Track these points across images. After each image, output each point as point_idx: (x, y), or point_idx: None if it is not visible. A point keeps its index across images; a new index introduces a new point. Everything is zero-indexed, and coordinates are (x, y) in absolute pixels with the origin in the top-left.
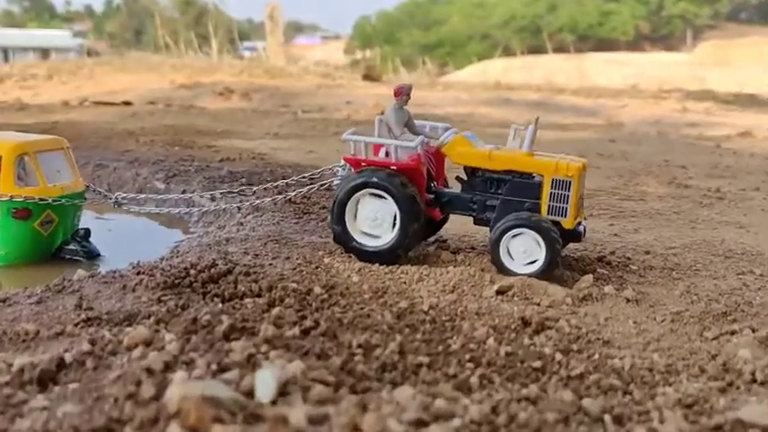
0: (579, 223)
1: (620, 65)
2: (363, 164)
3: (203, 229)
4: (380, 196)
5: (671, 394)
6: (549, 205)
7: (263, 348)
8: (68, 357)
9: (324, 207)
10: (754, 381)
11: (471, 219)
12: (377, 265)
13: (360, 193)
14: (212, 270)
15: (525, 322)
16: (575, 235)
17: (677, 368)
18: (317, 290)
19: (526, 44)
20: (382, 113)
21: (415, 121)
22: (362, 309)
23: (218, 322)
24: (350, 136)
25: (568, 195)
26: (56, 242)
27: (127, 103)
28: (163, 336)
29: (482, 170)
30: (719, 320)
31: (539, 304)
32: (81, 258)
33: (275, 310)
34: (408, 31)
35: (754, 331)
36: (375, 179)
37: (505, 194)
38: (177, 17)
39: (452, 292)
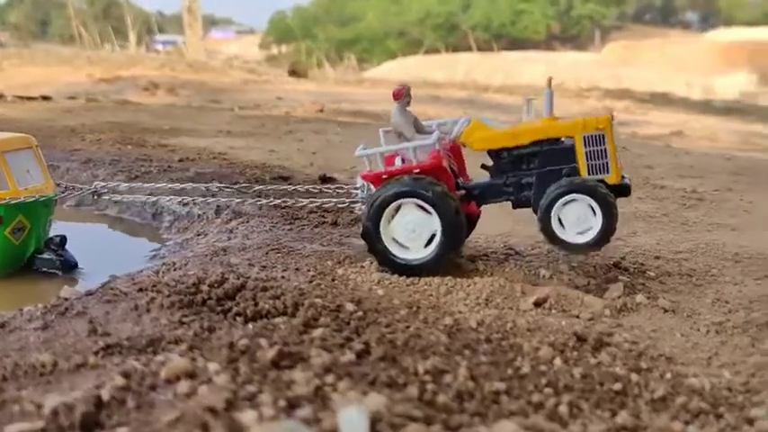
0: (623, 176)
1: (534, 63)
2: (384, 176)
3: (179, 236)
4: (425, 210)
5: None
6: (588, 164)
7: (328, 379)
8: (105, 395)
9: (312, 212)
10: None
11: (509, 204)
12: (397, 276)
13: (403, 201)
14: (225, 285)
15: (581, 338)
16: (623, 189)
17: (755, 386)
18: (349, 306)
19: (442, 42)
20: (386, 125)
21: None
22: (408, 327)
23: (258, 347)
24: (362, 151)
25: (605, 149)
26: (27, 252)
27: (45, 98)
28: (205, 366)
29: (508, 150)
30: (764, 331)
31: (579, 316)
32: (56, 271)
33: (316, 332)
34: (324, 26)
35: None
36: (423, 191)
37: (539, 167)
38: (85, 8)
39: (488, 305)
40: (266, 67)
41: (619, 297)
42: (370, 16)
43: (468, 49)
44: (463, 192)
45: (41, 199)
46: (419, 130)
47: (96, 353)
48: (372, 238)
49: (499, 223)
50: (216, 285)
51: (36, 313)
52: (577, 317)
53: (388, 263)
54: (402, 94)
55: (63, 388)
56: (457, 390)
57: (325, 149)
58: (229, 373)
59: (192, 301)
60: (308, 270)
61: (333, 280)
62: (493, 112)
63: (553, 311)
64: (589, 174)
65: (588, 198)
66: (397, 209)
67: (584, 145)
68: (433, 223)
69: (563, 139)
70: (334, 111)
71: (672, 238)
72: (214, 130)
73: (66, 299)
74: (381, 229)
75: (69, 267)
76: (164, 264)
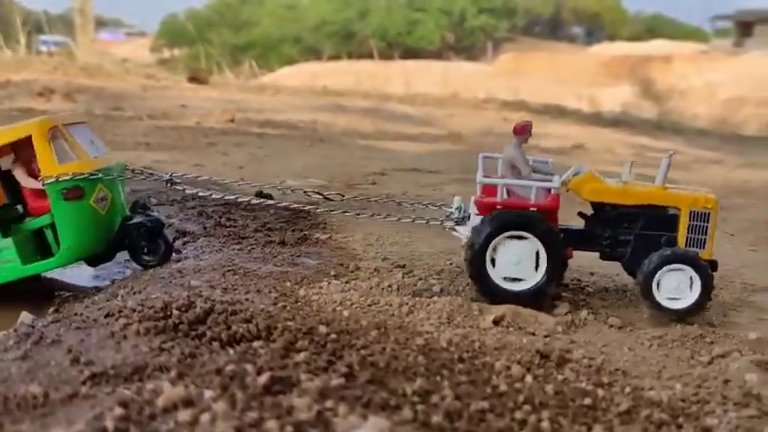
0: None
1: (431, 72)
2: (499, 206)
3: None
4: (521, 237)
5: (722, 428)
6: (687, 237)
7: (327, 404)
8: (109, 426)
9: (257, 230)
10: None
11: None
12: (357, 297)
13: (514, 233)
14: (194, 309)
15: (544, 355)
16: (714, 265)
17: (704, 397)
18: (322, 329)
19: (338, 49)
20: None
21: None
22: (384, 349)
23: (246, 373)
24: (484, 179)
25: (707, 227)
26: (115, 222)
27: None
28: (200, 393)
29: (613, 205)
30: (699, 343)
31: (535, 334)
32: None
33: (299, 356)
34: (219, 30)
35: (741, 354)
36: (539, 227)
37: (641, 229)
38: None
39: (450, 324)
40: (162, 71)
41: (566, 314)
42: (265, 21)
43: (365, 56)
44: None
45: (117, 165)
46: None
47: (84, 382)
48: (476, 268)
49: (445, 240)
50: (184, 309)
51: (8, 342)
52: (534, 334)
53: (494, 293)
54: (525, 131)
55: (61, 420)
56: (446, 410)
57: (251, 163)
58: (226, 401)
59: (164, 326)
60: (270, 292)
61: (296, 302)
62: (398, 122)
63: (511, 329)
64: (686, 246)
65: (692, 270)
66: (503, 242)
67: (690, 219)
68: (532, 247)
69: (668, 207)
70: (244, 120)
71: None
72: (132, 141)
73: (31, 326)
74: (490, 273)
75: (159, 228)
76: (120, 286)
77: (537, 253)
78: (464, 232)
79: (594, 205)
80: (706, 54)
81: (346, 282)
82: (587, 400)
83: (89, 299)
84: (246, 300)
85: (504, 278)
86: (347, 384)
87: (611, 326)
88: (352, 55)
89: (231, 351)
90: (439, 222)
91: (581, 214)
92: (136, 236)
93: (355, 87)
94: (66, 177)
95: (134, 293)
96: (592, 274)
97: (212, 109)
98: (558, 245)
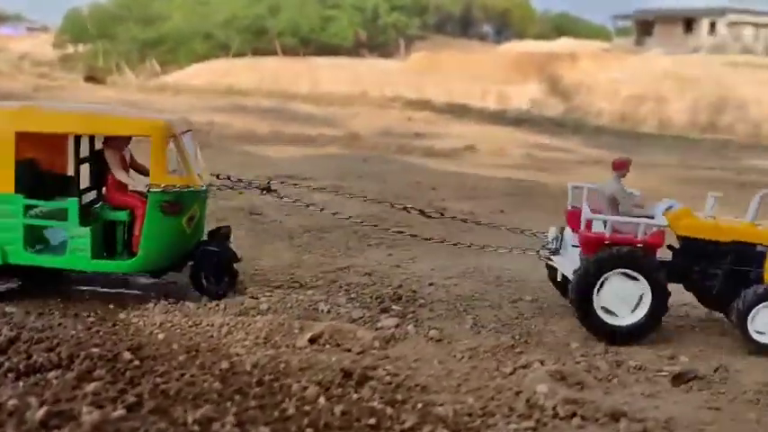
0: None
1: (343, 69)
2: (607, 242)
3: None
4: (633, 278)
5: None
6: None
7: None
8: None
9: None
10: (556, 415)
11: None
12: (179, 318)
13: (623, 270)
14: None
15: (347, 374)
16: None
17: (491, 410)
18: (126, 355)
19: (249, 45)
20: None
21: None
22: (183, 375)
23: (28, 406)
24: (591, 215)
25: None
26: (192, 243)
27: None
28: None
29: (704, 240)
30: (509, 354)
31: (351, 350)
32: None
33: (90, 387)
34: (126, 25)
35: (542, 364)
36: (647, 264)
37: (731, 264)
38: None
39: (266, 344)
40: (60, 70)
41: (390, 328)
42: (175, 16)
43: (275, 53)
44: None
45: (209, 187)
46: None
47: None
48: (584, 303)
49: (285, 253)
50: None
51: None
52: (349, 350)
53: (599, 328)
54: (623, 167)
55: None
56: None
57: None
58: None
59: None
60: (88, 316)
61: (113, 325)
62: (300, 123)
63: (327, 347)
64: None
65: None
66: (609, 277)
67: None
68: (641, 290)
69: (757, 244)
70: None
71: (446, 264)
72: None
73: None
74: (594, 295)
75: (230, 261)
76: None
77: (641, 291)
78: (560, 262)
79: (684, 239)
80: (609, 52)
81: (174, 302)
82: (373, 420)
83: None
84: (60, 325)
85: (603, 308)
86: (128, 416)
87: (431, 338)
88: (264, 52)
89: (21, 384)
90: (536, 252)
91: (670, 247)
92: (206, 264)
93: (260, 86)
94: (173, 190)
95: None
96: (431, 284)
97: None
98: (665, 287)
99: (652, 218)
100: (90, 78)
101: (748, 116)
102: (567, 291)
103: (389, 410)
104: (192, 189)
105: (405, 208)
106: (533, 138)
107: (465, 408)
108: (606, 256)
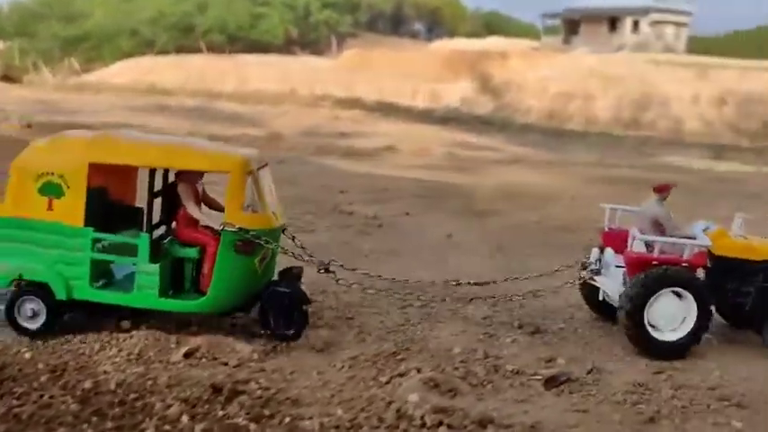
0: None
1: (272, 67)
2: (655, 262)
3: None
4: (678, 294)
5: None
6: None
7: None
8: None
9: None
10: (424, 425)
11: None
12: (51, 336)
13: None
14: None
15: (216, 390)
16: None
17: (360, 422)
18: None
19: (176, 42)
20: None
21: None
22: (42, 397)
23: None
24: (641, 236)
25: None
26: (263, 283)
27: None
28: None
29: (738, 259)
30: (390, 361)
31: (227, 364)
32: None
33: None
34: (48, 23)
35: (419, 371)
36: (696, 282)
37: (763, 282)
38: None
39: (138, 361)
40: None
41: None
42: (98, 14)
43: (202, 50)
44: None
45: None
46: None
47: None
48: (635, 321)
49: None
50: None
51: None
52: (226, 364)
53: (647, 344)
54: (666, 190)
55: None
56: None
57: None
58: None
59: None
60: None
61: None
62: (223, 122)
63: (203, 361)
64: None
65: None
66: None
67: None
68: (687, 307)
69: None
70: (47, 125)
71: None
72: None
73: None
74: (645, 312)
75: (300, 302)
76: None
77: (687, 308)
78: (604, 282)
79: (718, 258)
80: (538, 51)
81: None
82: None
83: None
84: None
85: (651, 325)
86: None
87: (313, 348)
88: (191, 50)
89: None
90: (579, 277)
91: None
92: (276, 305)
93: (185, 84)
94: (251, 230)
95: None
96: (323, 291)
97: (14, 112)
98: (709, 301)
99: (693, 238)
100: (5, 77)
101: (670, 113)
102: (602, 309)
103: (253, 427)
104: (266, 230)
105: (458, 283)
106: (460, 136)
107: (333, 420)
108: (658, 275)
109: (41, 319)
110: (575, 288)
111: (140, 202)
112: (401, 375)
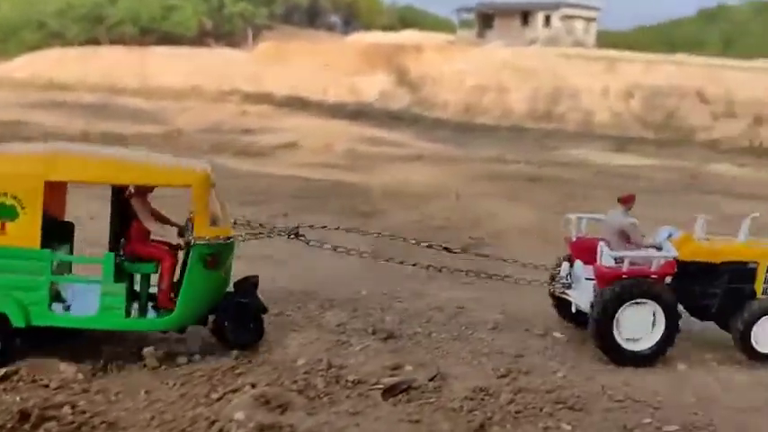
0: None
1: (184, 60)
2: (624, 275)
3: None
4: (640, 303)
5: None
6: (764, 287)
7: None
8: None
9: None
10: None
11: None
12: None
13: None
14: None
15: (24, 416)
16: None
17: None
18: None
19: (88, 35)
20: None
21: None
22: None
23: None
24: (611, 252)
25: None
26: (222, 293)
27: None
28: None
29: (702, 262)
30: (227, 376)
31: (48, 386)
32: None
33: None
34: None
35: (253, 386)
36: (664, 295)
37: (728, 282)
38: None
39: None
40: None
41: (99, 359)
42: (5, 6)
43: (113, 42)
44: None
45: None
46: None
47: None
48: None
49: None
50: None
51: None
52: (47, 386)
53: (619, 355)
54: (631, 201)
55: None
56: None
57: None
58: None
59: None
60: None
61: None
62: (122, 120)
63: (20, 384)
64: (763, 294)
65: None
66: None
67: (767, 271)
68: (655, 315)
69: (748, 261)
70: None
71: None
72: None
73: None
74: (614, 323)
75: (259, 313)
76: None
77: (654, 315)
78: (575, 295)
79: (683, 263)
80: (453, 44)
81: None
82: None
83: None
84: None
85: (627, 339)
86: None
87: (145, 366)
88: (102, 41)
89: None
90: (541, 283)
91: None
92: (235, 315)
93: (90, 78)
94: (216, 243)
95: None
96: None
97: None
98: (677, 311)
99: (659, 247)
100: None
101: (581, 105)
102: (577, 319)
103: None
104: (231, 240)
105: (429, 245)
106: (369, 131)
107: None
108: (626, 286)
109: None
110: (441, 291)
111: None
112: (234, 391)
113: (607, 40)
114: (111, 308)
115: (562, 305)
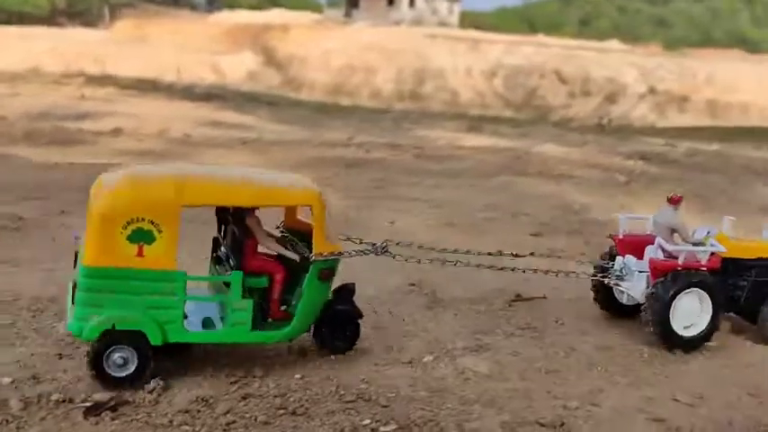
0: None
1: (29, 40)
2: (680, 268)
3: None
4: (693, 293)
5: None
6: None
7: None
8: None
9: None
10: None
11: None
12: None
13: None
14: None
15: None
16: None
17: None
18: None
19: None
20: None
21: None
22: None
23: None
24: (674, 246)
25: None
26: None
27: None
28: None
29: (734, 259)
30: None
31: None
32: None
33: None
34: None
35: None
36: (713, 284)
37: (756, 276)
38: None
39: None
40: None
41: None
42: None
43: None
44: None
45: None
46: None
47: None
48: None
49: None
50: None
51: None
52: None
53: (674, 340)
54: (680, 201)
55: None
56: None
57: None
58: None
59: None
60: None
61: None
62: None
63: None
64: None
65: None
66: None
67: None
68: (703, 305)
69: None
70: None
71: None
72: None
73: None
74: (671, 311)
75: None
76: None
77: (701, 304)
78: (627, 286)
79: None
80: (321, 23)
81: None
82: None
83: None
84: None
85: (681, 326)
86: None
87: None
88: None
89: None
90: (598, 278)
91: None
92: (341, 321)
93: None
94: (333, 258)
95: None
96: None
97: None
98: (723, 300)
99: (701, 243)
100: None
101: (447, 85)
102: (623, 310)
103: None
104: (344, 253)
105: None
106: (218, 114)
107: None
108: (682, 276)
109: (132, 367)
110: None
111: None
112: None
113: (470, 21)
114: (238, 323)
115: (605, 296)
